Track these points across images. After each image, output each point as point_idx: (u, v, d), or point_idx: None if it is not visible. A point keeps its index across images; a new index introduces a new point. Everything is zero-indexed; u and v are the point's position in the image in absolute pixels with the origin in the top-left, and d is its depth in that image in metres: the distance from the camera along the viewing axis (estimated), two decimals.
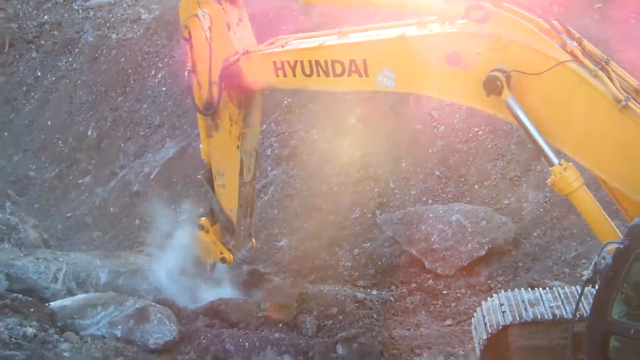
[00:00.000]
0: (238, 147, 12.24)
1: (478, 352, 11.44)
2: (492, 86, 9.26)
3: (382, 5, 10.85)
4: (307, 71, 10.83)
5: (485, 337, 11.14)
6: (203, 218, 13.41)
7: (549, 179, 9.51)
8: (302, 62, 10.84)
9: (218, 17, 11.55)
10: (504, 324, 10.90)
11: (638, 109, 9.09)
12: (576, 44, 9.37)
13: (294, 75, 10.98)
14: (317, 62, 10.69)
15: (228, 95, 11.82)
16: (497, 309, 11.21)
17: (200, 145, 13.03)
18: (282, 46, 11.33)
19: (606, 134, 9.19)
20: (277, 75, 11.15)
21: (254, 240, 13.82)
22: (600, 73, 9.23)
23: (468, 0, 9.57)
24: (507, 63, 9.28)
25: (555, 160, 9.37)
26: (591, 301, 8.99)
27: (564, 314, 10.57)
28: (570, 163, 9.46)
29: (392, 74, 10.19)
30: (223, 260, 13.22)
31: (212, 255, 13.52)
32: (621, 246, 8.33)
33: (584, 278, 9.01)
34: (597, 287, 8.69)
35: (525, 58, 9.21)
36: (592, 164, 9.45)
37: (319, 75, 10.75)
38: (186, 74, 12.44)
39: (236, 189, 12.64)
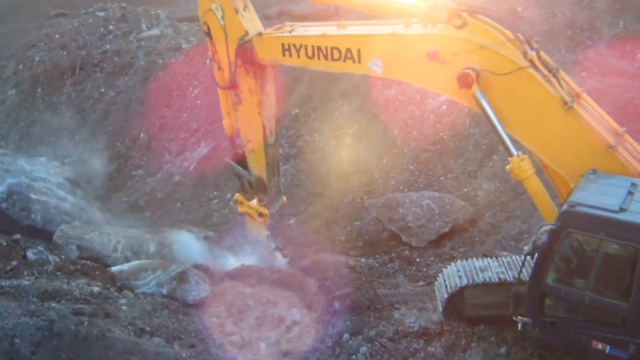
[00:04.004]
0: (259, 114, 12.11)
1: (440, 308, 11.38)
2: (464, 81, 9.18)
3: (376, 8, 10.64)
4: (310, 54, 10.68)
5: (446, 296, 11.07)
6: (237, 194, 13.33)
7: (507, 166, 9.47)
8: (306, 46, 10.68)
9: (227, 5, 11.43)
10: (460, 285, 10.83)
11: (580, 110, 9.05)
12: (535, 54, 9.28)
13: (298, 56, 10.84)
14: (319, 48, 10.54)
15: (245, 70, 11.69)
16: (455, 274, 11.11)
17: (223, 122, 12.95)
18: (290, 31, 11.15)
19: (553, 128, 9.14)
20: (284, 55, 11.02)
21: (284, 197, 13.70)
22: (552, 79, 9.16)
23: (449, 8, 9.47)
24: (478, 63, 9.21)
25: (514, 151, 9.34)
26: (529, 269, 8.96)
27: (507, 277, 10.48)
28: (526, 155, 9.40)
29: (380, 62, 10.07)
30: (260, 214, 13.15)
31: (256, 225, 13.40)
32: (554, 227, 8.30)
33: (524, 251, 8.97)
34: (535, 258, 8.67)
35: (493, 61, 9.13)
36: (539, 151, 9.43)
37: (319, 58, 10.60)
38: (208, 61, 12.36)
39: (263, 151, 12.54)
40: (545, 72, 9.17)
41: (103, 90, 23.63)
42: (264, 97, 12.05)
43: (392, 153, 18.10)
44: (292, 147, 19.28)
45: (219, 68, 12.06)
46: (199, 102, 21.90)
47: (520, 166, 9.31)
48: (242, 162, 13.03)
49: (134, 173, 20.82)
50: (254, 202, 13.15)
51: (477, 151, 17.11)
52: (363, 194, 17.35)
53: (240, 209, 13.36)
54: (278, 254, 14.41)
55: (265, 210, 13.06)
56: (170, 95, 22.45)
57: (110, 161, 21.48)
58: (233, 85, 11.89)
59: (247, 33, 11.40)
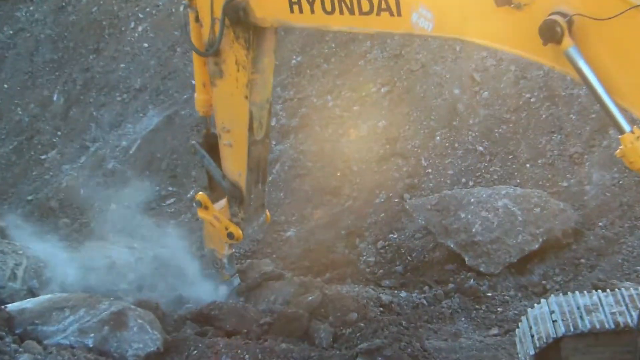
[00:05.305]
0: (246, 98, 12.33)
1: None
2: (550, 33, 9.17)
3: None
4: (329, 8, 10.81)
5: (532, 352, 11.09)
6: (200, 192, 13.50)
7: (618, 150, 9.45)
8: None
9: None
10: (555, 335, 10.85)
11: None
12: None
13: (312, 11, 10.98)
14: None
15: (234, 34, 11.91)
16: (546, 317, 11.12)
17: (195, 95, 13.14)
18: None
19: None
20: (292, 11, 11.17)
21: (268, 212, 13.96)
22: None
23: None
24: (569, 5, 9.18)
25: (626, 126, 9.28)
26: None
27: (629, 321, 10.52)
28: None
29: (429, 13, 10.14)
30: (230, 236, 13.37)
31: (218, 235, 13.62)
32: None
33: None
34: None
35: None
36: None
37: (342, 12, 10.71)
38: (182, 8, 12.51)
39: (245, 149, 12.77)
40: None
41: None
42: (256, 76, 12.25)
43: (450, 126, 18.25)
44: (293, 117, 19.40)
45: (197, 20, 12.26)
46: (146, 45, 22.02)
47: (636, 147, 9.30)
48: (216, 149, 13.19)
49: (42, 157, 20.97)
50: (222, 204, 13.29)
51: (583, 122, 17.20)
52: (403, 189, 17.51)
53: (202, 215, 13.51)
54: (235, 282, 14.58)
55: (237, 231, 13.27)
56: (100, 34, 22.56)
57: (5, 138, 21.60)
58: (214, 52, 12.13)
59: None
